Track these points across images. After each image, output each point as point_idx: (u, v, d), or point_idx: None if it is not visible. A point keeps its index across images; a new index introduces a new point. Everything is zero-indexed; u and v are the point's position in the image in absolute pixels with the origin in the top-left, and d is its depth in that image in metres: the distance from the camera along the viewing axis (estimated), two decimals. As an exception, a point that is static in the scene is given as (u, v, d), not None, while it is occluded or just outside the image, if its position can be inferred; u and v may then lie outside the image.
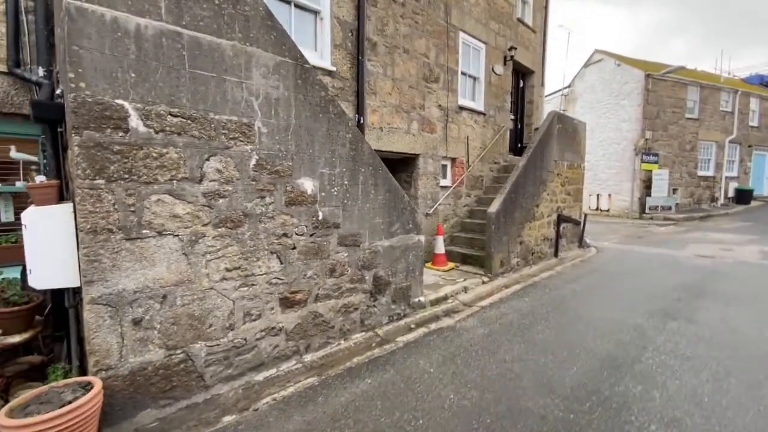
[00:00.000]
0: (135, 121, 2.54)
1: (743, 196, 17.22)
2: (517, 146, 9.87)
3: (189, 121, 2.79)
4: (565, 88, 18.54)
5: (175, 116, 2.72)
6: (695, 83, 16.17)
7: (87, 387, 2.34)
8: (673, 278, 6.47)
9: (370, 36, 5.70)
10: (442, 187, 7.37)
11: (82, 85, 2.34)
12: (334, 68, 5.21)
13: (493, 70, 8.38)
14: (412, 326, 4.51)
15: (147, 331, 2.69)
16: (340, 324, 4.00)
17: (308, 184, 3.59)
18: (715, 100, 16.78)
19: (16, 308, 2.46)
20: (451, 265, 6.90)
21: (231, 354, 3.15)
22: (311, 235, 3.66)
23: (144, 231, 2.63)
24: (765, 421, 2.63)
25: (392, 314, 4.57)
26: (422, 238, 4.94)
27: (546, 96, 19.39)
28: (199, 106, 2.83)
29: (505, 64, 8.69)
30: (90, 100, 2.37)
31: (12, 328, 2.40)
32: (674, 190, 15.81)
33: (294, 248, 3.53)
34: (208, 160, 2.91)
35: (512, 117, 9.63)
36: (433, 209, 7.10)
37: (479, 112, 8.12)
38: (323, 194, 3.73)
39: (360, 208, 4.10)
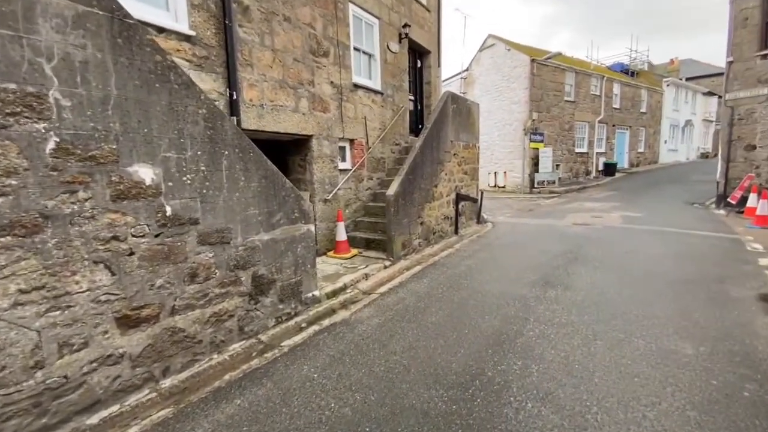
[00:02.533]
0: None
1: (610, 169, 20.04)
2: (417, 127, 9.87)
3: None
4: (464, 71, 19.35)
5: None
6: (571, 69, 18.07)
7: None
8: (554, 247, 7.06)
9: (240, -3, 4.92)
10: (341, 170, 6.97)
11: None
12: (193, 32, 4.37)
13: (388, 47, 8.11)
14: (303, 325, 4.11)
15: None
16: (211, 336, 3.41)
17: (146, 172, 2.88)
18: (586, 84, 19.01)
19: None
20: (354, 251, 6.61)
21: (44, 398, 2.40)
22: (157, 236, 2.97)
23: None
24: (625, 382, 2.81)
25: (280, 315, 4.10)
26: (312, 227, 4.50)
27: (446, 80, 20.12)
28: (-64, 65, 1.96)
29: (400, 41, 8.48)
30: None
31: None
32: (557, 166, 17.70)
33: (132, 254, 2.82)
34: (-34, 144, 2.06)
35: (411, 98, 9.56)
36: (332, 194, 6.69)
37: (376, 91, 7.83)
38: (170, 184, 3.04)
39: (226, 199, 3.49)
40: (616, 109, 21.12)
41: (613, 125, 21.08)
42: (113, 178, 2.69)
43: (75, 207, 2.50)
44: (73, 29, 2.45)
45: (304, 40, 5.96)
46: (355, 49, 7.22)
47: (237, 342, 3.64)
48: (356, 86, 7.20)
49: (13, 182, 2.24)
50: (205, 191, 3.30)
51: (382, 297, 4.89)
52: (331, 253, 6.51)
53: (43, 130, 2.34)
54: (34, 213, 2.33)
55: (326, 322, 4.18)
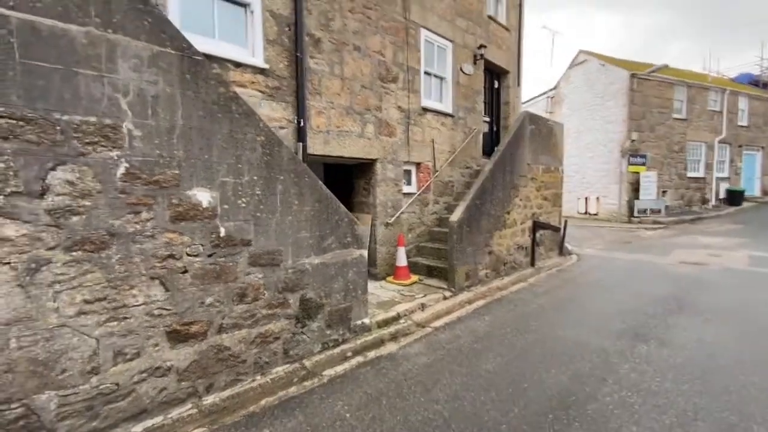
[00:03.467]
0: (-68, 123, 2.02)
1: (734, 198, 16.76)
2: (492, 150, 9.37)
3: (22, 123, 2.27)
4: (551, 90, 18.15)
5: (3, 117, 2.20)
6: (682, 83, 15.78)
7: None
8: (653, 289, 5.94)
9: (312, 31, 5.21)
10: (405, 194, 6.86)
11: None
12: (267, 66, 4.71)
13: (461, 69, 7.91)
14: (348, 354, 3.97)
15: (-37, 385, 2.15)
16: (255, 357, 3.44)
17: (203, 196, 3.07)
18: (702, 99, 16.39)
19: None
20: (414, 278, 6.36)
21: (97, 403, 2.60)
22: (210, 256, 3.12)
23: (-47, 260, 2.10)
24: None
25: (327, 341, 4.03)
26: (364, 252, 4.41)
27: (531, 100, 19.10)
28: (36, 104, 2.31)
29: (475, 63, 8.23)
30: None
31: None
32: (663, 192, 15.35)
33: (185, 272, 2.99)
34: (53, 170, 2.38)
35: (486, 119, 9.15)
36: (394, 218, 6.58)
37: (446, 114, 7.64)
38: (226, 207, 3.20)
39: (279, 222, 3.57)
40: (742, 126, 17.78)
41: (740, 146, 17.73)
42: (173, 201, 2.90)
43: (138, 226, 2.74)
44: (148, 67, 2.75)
45: (373, 67, 6.08)
46: (426, 73, 7.16)
47: (281, 365, 3.63)
48: (425, 110, 7.10)
49: (87, 203, 2.52)
50: (258, 214, 3.41)
51: (435, 332, 4.54)
52: (390, 279, 6.35)
53: (116, 157, 2.63)
54: (102, 231, 2.59)
55: (372, 353, 3.98)
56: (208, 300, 3.13)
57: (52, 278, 2.41)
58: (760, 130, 18.43)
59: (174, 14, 4.02)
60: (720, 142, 16.86)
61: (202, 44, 4.15)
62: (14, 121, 2.25)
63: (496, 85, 9.58)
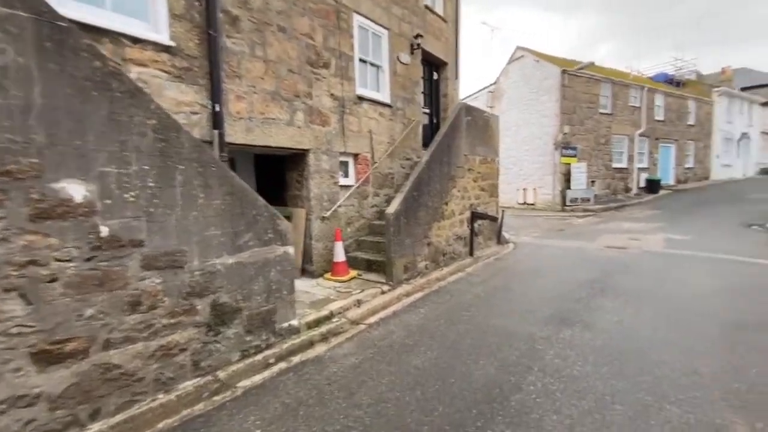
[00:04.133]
0: None
1: (653, 186, 18.43)
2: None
3: None
4: (491, 85, 18.71)
5: None
6: (607, 80, 16.96)
7: None
8: (580, 274, 6.22)
9: (228, 8, 4.72)
10: (342, 186, 6.58)
11: None
12: (173, 43, 4.18)
13: (398, 59, 7.74)
14: (271, 361, 3.65)
15: None
16: (156, 373, 3.01)
17: (76, 189, 2.57)
18: (625, 96, 17.76)
19: None
20: (353, 273, 6.13)
21: (-75, 451, 2.08)
22: (89, 260, 2.64)
23: None
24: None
25: (247, 348, 3.67)
26: (290, 249, 4.08)
27: (472, 95, 19.58)
28: None
29: (412, 52, 8.10)
30: None
31: None
32: (592, 182, 16.46)
33: (54, 281, 2.50)
34: None
35: (426, 110, 9.10)
36: (331, 212, 6.28)
37: (384, 104, 7.44)
38: (108, 202, 2.73)
39: (180, 218, 3.14)
40: (659, 121, 19.56)
41: (657, 138, 19.49)
42: (33, 196, 2.39)
43: (-20, 228, 2.21)
44: (-13, 31, 2.21)
45: (301, 51, 5.69)
46: (361, 60, 6.90)
47: (190, 379, 3.22)
48: (361, 99, 6.84)
49: None
50: (152, 210, 2.96)
51: (369, 329, 4.35)
52: (327, 275, 6.06)
53: (-58, 142, 2.09)
54: (-75, 235, 2.05)
55: (297, 358, 3.70)
56: (89, 312, 2.65)
57: None
58: (673, 125, 20.40)
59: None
60: (640, 135, 18.41)
61: (88, 15, 3.58)
62: None
63: (435, 77, 9.56)
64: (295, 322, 4.14)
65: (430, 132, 9.28)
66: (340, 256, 6.05)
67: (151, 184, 2.95)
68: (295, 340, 4.02)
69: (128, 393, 2.86)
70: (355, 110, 6.74)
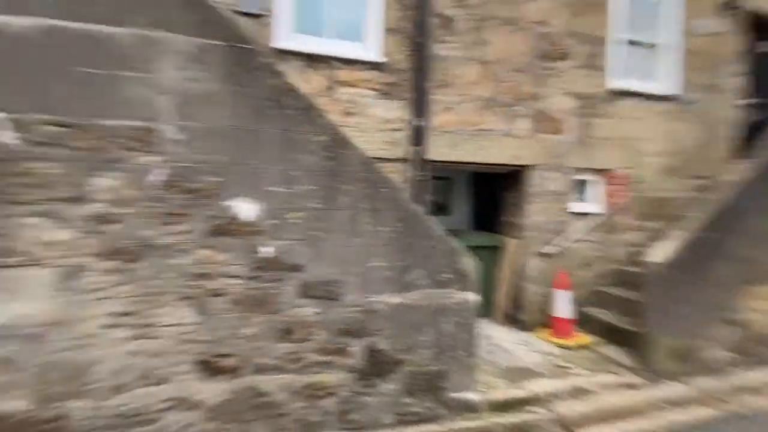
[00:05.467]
0: (5, 134, 2.21)
1: None
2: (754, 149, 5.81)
3: (69, 130, 2.30)
4: None
5: (53, 125, 2.27)
6: None
7: None
8: None
9: (442, 10, 4.23)
10: (576, 214, 4.87)
11: (-56, 96, 2.15)
12: (383, 59, 4.05)
13: (694, 28, 5.17)
14: (429, 442, 2.76)
15: (15, 375, 2.27)
16: (300, 413, 2.73)
17: (245, 208, 2.59)
18: None
19: None
20: (582, 339, 4.36)
21: (120, 423, 2.45)
22: (251, 279, 2.62)
23: (12, 258, 2.25)
24: None
25: (404, 412, 2.93)
26: (472, 296, 3.08)
27: None
28: (83, 110, 2.31)
29: (723, 15, 5.25)
30: (-49, 112, 2.15)
31: None
32: None
33: (220, 295, 2.57)
34: (95, 176, 2.35)
35: (745, 101, 5.75)
36: (555, 247, 4.73)
37: (661, 97, 5.10)
38: (273, 222, 2.64)
39: (341, 244, 2.78)
40: None
41: None
42: (211, 213, 2.53)
43: (171, 239, 2.47)
44: (192, 63, 2.47)
45: (529, 42, 4.54)
46: (620, 41, 4.95)
47: (334, 430, 2.80)
48: (617, 93, 4.89)
49: (123, 211, 2.40)
50: (314, 233, 2.72)
51: (588, 448, 2.72)
52: (543, 333, 4.55)
53: (155, 163, 2.43)
54: (137, 242, 2.42)
55: (461, 456, 2.64)
56: (246, 332, 2.63)
57: (87, 286, 2.37)
58: None
59: (286, 18, 3.86)
60: None
61: (312, 45, 3.88)
62: (63, 129, 2.29)
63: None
64: (472, 396, 3.08)
65: (749, 134, 5.82)
66: (563, 309, 4.42)
67: (315, 206, 2.71)
68: (470, 423, 2.96)
69: (272, 426, 2.68)
70: (606, 110, 4.88)
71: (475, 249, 4.58)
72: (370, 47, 4.09)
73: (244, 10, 3.67)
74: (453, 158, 4.33)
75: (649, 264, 3.74)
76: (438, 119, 4.28)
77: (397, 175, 4.15)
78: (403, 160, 4.15)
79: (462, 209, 6.08)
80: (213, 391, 2.59)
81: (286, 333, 2.70)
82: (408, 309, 2.93)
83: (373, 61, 4.03)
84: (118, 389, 2.43)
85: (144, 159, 2.41)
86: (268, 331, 2.66)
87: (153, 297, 2.46)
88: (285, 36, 3.84)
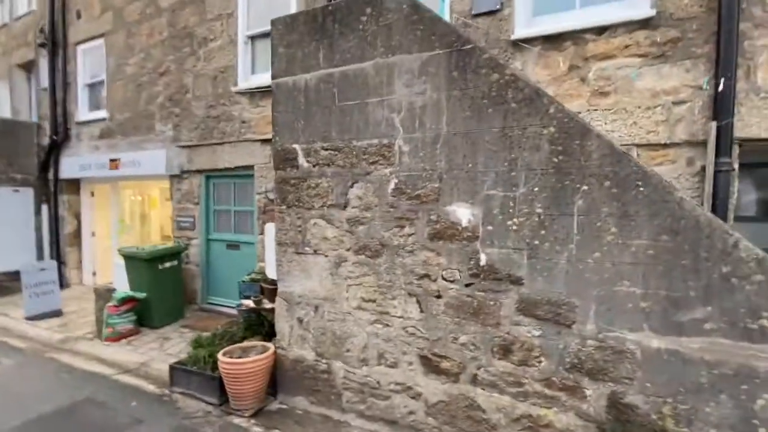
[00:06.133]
0: (301, 159, 3.12)
1: None
2: None
3: (336, 152, 2.97)
4: None
5: (326, 150, 3.01)
6: None
7: (265, 350, 3.27)
8: None
9: None
10: None
11: (277, 138, 3.24)
12: (652, 12, 2.99)
13: None
14: None
15: (305, 332, 3.20)
16: (518, 442, 2.43)
17: (463, 213, 2.53)
18: None
19: (272, 287, 3.81)
20: None
21: (365, 390, 2.96)
22: (467, 286, 2.55)
23: (306, 248, 3.16)
24: None
25: (672, 503, 2.06)
26: (831, 368, 1.78)
27: None
28: (344, 136, 2.93)
29: None
30: (280, 148, 3.22)
31: (270, 299, 3.77)
32: None
33: (439, 297, 2.64)
34: (351, 186, 2.93)
35: None
36: None
37: None
38: (489, 228, 2.46)
39: (574, 258, 2.24)
40: None
41: None
42: (432, 217, 2.64)
43: (401, 240, 2.75)
44: (417, 78, 2.64)
45: None
46: None
47: (560, 482, 2.32)
48: None
49: (368, 215, 2.87)
50: (537, 242, 2.34)
51: None
52: None
53: (389, 174, 2.77)
54: (377, 240, 2.85)
55: None
56: (462, 338, 2.58)
57: (346, 273, 3.00)
58: None
59: (525, 4, 3.53)
60: None
61: (556, 23, 3.40)
62: (333, 152, 2.98)
63: None
64: None
65: None
66: None
67: (539, 211, 2.33)
68: None
69: (487, 444, 2.52)
70: None
71: None
72: (640, 1, 3.12)
73: (481, 11, 3.62)
74: (799, 132, 2.67)
75: None
76: (765, 75, 2.76)
77: (677, 166, 2.99)
78: (690, 143, 2.93)
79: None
80: (432, 388, 2.70)
81: (504, 350, 2.46)
82: (680, 360, 2.03)
83: (638, 18, 3.04)
84: (364, 361, 2.95)
85: (384, 171, 2.79)
86: (483, 342, 2.51)
87: (387, 289, 2.82)
88: (525, 23, 3.51)
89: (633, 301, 2.12)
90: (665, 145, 3.02)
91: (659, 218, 2.06)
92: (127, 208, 8.78)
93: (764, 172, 3.55)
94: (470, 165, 2.50)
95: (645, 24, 3.05)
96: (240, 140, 5.12)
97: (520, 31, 3.48)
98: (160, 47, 5.92)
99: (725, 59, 2.77)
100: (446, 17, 3.81)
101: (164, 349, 4.60)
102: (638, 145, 3.12)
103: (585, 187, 2.21)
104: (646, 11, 3.04)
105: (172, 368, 3.63)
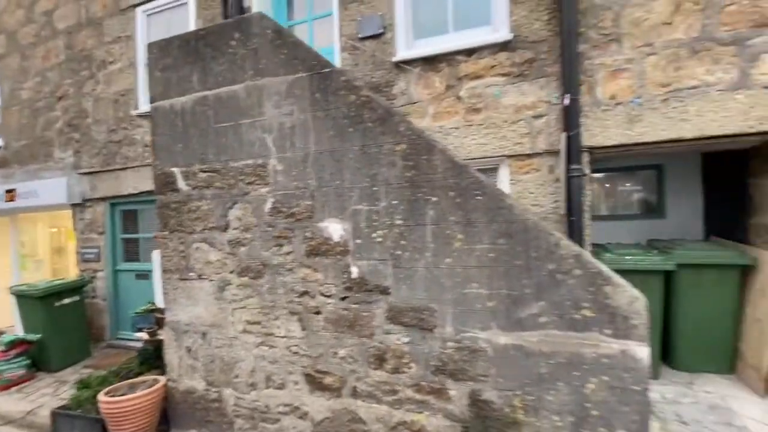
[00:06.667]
0: (180, 182, 3.06)
1: None
2: None
3: (214, 174, 2.95)
4: None
5: (205, 171, 2.98)
6: None
7: (155, 383, 3.10)
8: None
9: (596, -59, 3.09)
10: None
11: (158, 162, 3.16)
12: (510, 35, 3.32)
13: None
14: None
15: (194, 361, 3.08)
16: (397, 450, 2.47)
17: (334, 228, 2.60)
18: None
19: (164, 316, 3.66)
20: None
21: (256, 415, 2.89)
22: (343, 299, 2.60)
23: (190, 273, 3.07)
24: None
25: (528, 491, 2.18)
26: (636, 349, 2.00)
27: None
28: (221, 157, 2.92)
29: None
30: (160, 172, 3.15)
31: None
32: None
33: (318, 312, 2.67)
34: (231, 208, 2.91)
35: None
36: None
37: None
38: (358, 241, 2.54)
39: (430, 265, 2.37)
40: None
41: None
42: (307, 234, 2.68)
43: (281, 258, 2.76)
44: (285, 100, 2.71)
45: (780, -76, 2.70)
46: None
47: (435, 485, 2.38)
48: None
49: (248, 236, 2.86)
50: (399, 252, 2.44)
51: None
52: None
53: (266, 193, 2.79)
54: (258, 261, 2.83)
55: None
56: (341, 352, 2.61)
57: (230, 297, 2.94)
58: None
59: (405, 28, 3.76)
60: None
61: (433, 46, 3.63)
62: (211, 173, 2.96)
63: None
64: (647, 505, 1.97)
65: None
66: None
67: (398, 222, 2.44)
68: None
69: (370, 457, 2.54)
70: None
71: (704, 269, 3.12)
72: (498, 25, 3.43)
73: (367, 34, 3.80)
74: (632, 139, 3.03)
75: None
76: (602, 90, 3.12)
77: (542, 174, 3.28)
78: (550, 153, 3.23)
79: (683, 209, 4.21)
80: (317, 406, 2.69)
81: (378, 360, 2.51)
82: (523, 354, 2.19)
83: (499, 41, 3.35)
84: (253, 385, 2.88)
85: (260, 191, 2.80)
86: (360, 354, 2.56)
87: (270, 310, 2.80)
88: (405, 46, 3.73)
89: (481, 302, 2.27)
90: (530, 155, 3.31)
91: (496, 223, 2.23)
92: (39, 241, 8.08)
93: (645, 173, 4.10)
94: (338, 182, 2.59)
95: (505, 46, 3.36)
96: (144, 164, 4.92)
97: (401, 53, 3.69)
98: (57, 70, 5.60)
99: (569, 77, 3.11)
100: (336, 41, 3.97)
101: (58, 394, 4.22)
102: (509, 156, 3.39)
103: (435, 198, 2.36)
104: (505, 35, 3.35)
105: (54, 414, 3.34)
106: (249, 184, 2.83)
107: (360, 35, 3.81)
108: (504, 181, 3.43)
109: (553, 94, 3.22)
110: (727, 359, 3.28)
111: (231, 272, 2.93)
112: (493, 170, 3.51)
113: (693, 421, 2.74)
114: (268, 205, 2.78)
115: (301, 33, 4.42)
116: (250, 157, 2.82)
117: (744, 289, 3.18)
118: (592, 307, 2.07)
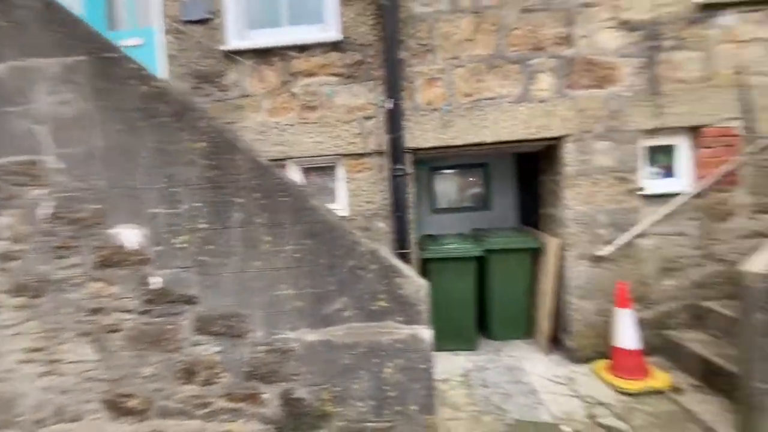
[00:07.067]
0: None
1: None
2: None
3: (-31, 173, 2.37)
4: None
5: (-44, 170, 2.37)
6: None
7: None
8: None
9: (412, -44, 3.34)
10: (650, 197, 3.35)
11: None
12: (341, 36, 3.39)
13: None
14: None
15: (-43, 406, 2.47)
16: (212, 465, 2.36)
17: (129, 235, 2.32)
18: None
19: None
20: (656, 379, 2.97)
21: (44, 458, 2.45)
22: (144, 313, 2.35)
23: (-57, 298, 2.43)
24: None
25: (339, 477, 2.30)
26: (422, 332, 2.24)
27: None
28: (-22, 152, 2.36)
29: None
30: None
31: None
32: None
33: (115, 331, 2.37)
34: (-3, 215, 2.38)
35: None
36: (615, 246, 3.34)
37: (804, -4, 3.15)
38: (159, 248, 2.31)
39: (239, 270, 2.29)
40: None
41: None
42: (96, 243, 2.34)
43: (65, 273, 2.36)
44: (62, 85, 2.30)
45: (547, -34, 3.27)
46: None
47: (252, 491, 2.34)
48: (711, 6, 3.18)
49: (21, 248, 2.38)
50: (205, 258, 2.30)
51: None
52: (598, 366, 3.26)
53: (41, 196, 2.34)
54: (36, 277, 2.38)
55: None
56: (146, 371, 2.37)
57: (2, 322, 2.42)
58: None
59: (237, 16, 3.54)
60: None
61: (266, 38, 3.48)
62: (-36, 172, 2.37)
63: None
64: (433, 467, 2.25)
65: None
66: (627, 337, 3.07)
67: (203, 226, 2.29)
68: (424, 505, 2.15)
69: (184, 477, 2.37)
70: (693, 36, 3.23)
71: (507, 253, 3.61)
72: (330, 26, 3.48)
73: (192, 18, 3.47)
74: (443, 142, 3.39)
75: (748, 275, 2.24)
76: (421, 96, 3.41)
77: (373, 173, 3.45)
78: (379, 153, 3.42)
79: (504, 202, 4.92)
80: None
81: (188, 374, 2.35)
82: (330, 348, 2.28)
83: (331, 41, 3.40)
84: (40, 423, 2.44)
85: (34, 193, 2.34)
86: (167, 370, 2.35)
87: (55, 333, 2.39)
88: (237, 35, 3.53)
89: (290, 303, 2.28)
90: (362, 155, 3.45)
91: (301, 224, 2.26)
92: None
93: (476, 170, 4.61)
94: (131, 183, 2.31)
95: (336, 47, 3.42)
96: None
97: (233, 43, 3.48)
98: None
99: (392, 82, 3.31)
100: (158, 21, 3.55)
101: None
102: (344, 155, 3.48)
103: (240, 200, 2.27)
104: (335, 35, 3.40)
105: None
106: (19, 185, 2.34)
107: (183, 18, 3.47)
108: (341, 179, 3.52)
109: (379, 98, 3.40)
110: (526, 327, 3.94)
111: (3, 292, 2.40)
112: (331, 168, 3.57)
113: (493, 384, 3.22)
114: (46, 210, 2.34)
115: (119, 8, 3.84)
116: (19, 153, 2.33)
117: (536, 268, 3.85)
118: (386, 298, 2.25)
